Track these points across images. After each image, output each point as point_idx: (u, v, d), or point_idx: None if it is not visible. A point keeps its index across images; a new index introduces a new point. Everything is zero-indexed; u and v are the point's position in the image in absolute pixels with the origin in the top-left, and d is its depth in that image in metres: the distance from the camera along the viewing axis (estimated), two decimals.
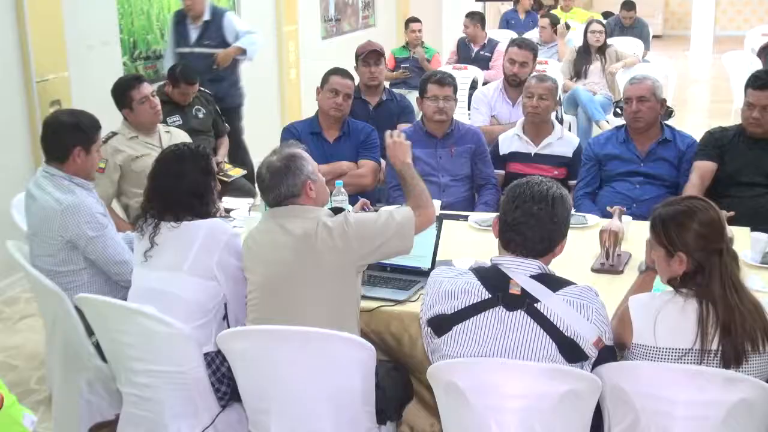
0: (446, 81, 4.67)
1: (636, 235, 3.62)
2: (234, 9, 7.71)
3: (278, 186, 2.96)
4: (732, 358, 2.42)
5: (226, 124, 6.12)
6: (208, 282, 3.02)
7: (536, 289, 2.50)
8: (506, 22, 11.75)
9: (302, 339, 2.68)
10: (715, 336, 2.43)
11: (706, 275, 2.48)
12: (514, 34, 9.44)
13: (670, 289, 2.56)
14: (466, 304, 2.54)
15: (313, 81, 5.00)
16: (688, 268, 2.51)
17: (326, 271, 2.86)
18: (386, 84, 6.01)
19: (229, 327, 3.04)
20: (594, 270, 3.44)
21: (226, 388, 3.00)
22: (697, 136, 4.53)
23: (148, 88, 4.69)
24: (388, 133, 3.34)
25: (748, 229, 3.61)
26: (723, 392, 2.37)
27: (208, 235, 3.06)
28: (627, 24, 10.71)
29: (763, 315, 2.47)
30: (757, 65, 8.14)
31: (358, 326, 2.96)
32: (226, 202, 4.56)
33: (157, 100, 4.75)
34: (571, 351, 2.48)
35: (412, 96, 5.33)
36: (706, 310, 2.45)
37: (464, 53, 8.73)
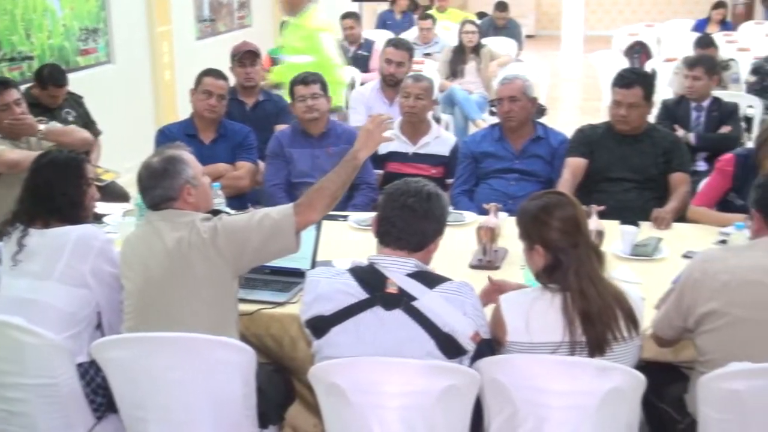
0: (310, 79, 4.68)
1: (512, 231, 3.67)
2: (104, 9, 7.50)
3: (155, 188, 2.90)
4: (595, 348, 2.50)
5: (98, 127, 5.95)
6: (80, 290, 2.93)
7: (413, 287, 2.53)
8: (383, 23, 11.83)
9: (179, 345, 2.63)
10: (580, 326, 2.50)
11: (564, 268, 2.55)
12: (390, 35, 9.50)
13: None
14: (344, 305, 2.54)
15: (189, 82, 4.91)
16: (547, 262, 2.58)
17: (201, 276, 2.80)
18: (263, 84, 5.96)
19: (103, 336, 2.95)
20: (472, 266, 3.49)
21: (101, 399, 2.91)
22: (570, 133, 4.65)
23: (11, 95, 4.47)
24: (373, 116, 3.14)
25: (617, 222, 3.72)
26: (596, 381, 2.44)
27: (79, 241, 2.96)
28: (500, 24, 10.92)
29: (627, 304, 2.55)
30: (624, 64, 8.44)
31: (237, 331, 2.92)
32: (99, 207, 4.42)
33: (20, 109, 4.50)
34: (449, 347, 2.51)
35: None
36: (570, 302, 2.52)
37: (341, 54, 8.73)
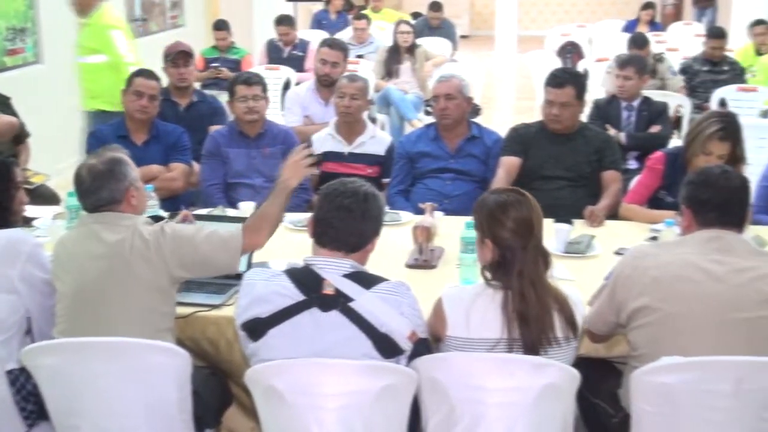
0: (253, 80, 4.66)
1: (448, 230, 3.72)
2: (32, 8, 7.35)
3: (99, 190, 2.86)
4: (529, 349, 2.53)
5: (27, 130, 5.82)
6: (8, 296, 2.86)
7: (350, 288, 2.52)
8: (318, 23, 11.80)
9: (112, 350, 2.59)
10: (517, 326, 2.53)
11: (509, 268, 2.57)
12: (325, 35, 9.48)
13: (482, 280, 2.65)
14: (281, 307, 2.52)
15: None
16: (494, 257, 2.60)
17: (140, 280, 2.78)
18: (196, 85, 5.90)
19: (33, 342, 2.88)
20: (408, 266, 3.50)
21: (32, 406, 2.85)
22: (505, 132, 4.68)
23: None
24: (297, 149, 3.18)
25: (551, 220, 3.76)
26: (532, 378, 2.46)
27: (7, 246, 2.90)
28: (435, 24, 10.97)
29: (568, 309, 2.59)
30: (557, 64, 8.55)
31: (174, 336, 2.89)
32: (28, 210, 4.33)
33: None
34: (386, 347, 2.51)
35: (224, 97, 5.27)
36: (510, 301, 2.54)
37: (275, 54, 8.70)
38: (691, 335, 2.56)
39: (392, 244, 3.63)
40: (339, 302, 2.51)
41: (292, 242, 3.77)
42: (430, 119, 5.68)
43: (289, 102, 5.94)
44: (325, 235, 2.60)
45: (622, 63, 5.96)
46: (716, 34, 7.98)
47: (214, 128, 4.99)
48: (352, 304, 2.51)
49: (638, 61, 6.04)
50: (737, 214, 2.71)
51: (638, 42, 7.58)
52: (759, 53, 8.51)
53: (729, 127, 3.90)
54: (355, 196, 2.59)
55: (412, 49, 8.28)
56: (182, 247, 2.82)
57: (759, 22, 8.74)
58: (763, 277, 2.58)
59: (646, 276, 2.64)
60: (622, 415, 2.77)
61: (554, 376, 2.47)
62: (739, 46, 9.20)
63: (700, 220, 2.70)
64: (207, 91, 6.12)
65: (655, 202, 4.20)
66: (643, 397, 2.54)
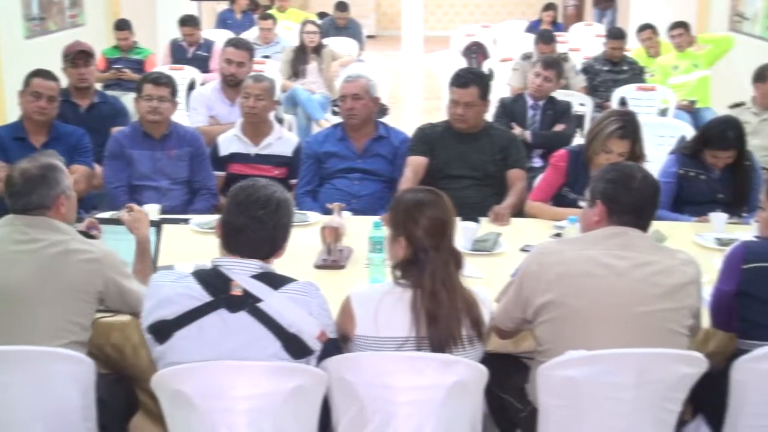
0: (162, 81, 4.56)
1: (356, 230, 3.72)
2: None
3: (30, 194, 2.81)
4: (437, 348, 2.55)
5: None
6: None
7: (258, 289, 2.50)
8: (223, 22, 11.67)
9: (12, 358, 2.51)
10: (425, 325, 2.55)
11: (421, 267, 2.59)
12: (231, 34, 9.37)
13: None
14: (188, 309, 2.49)
15: (18, 83, 4.70)
16: (407, 256, 2.62)
17: (67, 287, 2.74)
18: (98, 86, 5.77)
19: None
20: (317, 266, 3.49)
21: None
22: (412, 132, 4.70)
23: None
24: (125, 209, 3.26)
25: (458, 219, 3.79)
26: (440, 375, 2.49)
27: None
28: (341, 24, 10.97)
29: (476, 313, 2.61)
30: (462, 64, 8.64)
31: (85, 347, 2.82)
32: None
33: None
34: (295, 347, 2.50)
35: (128, 98, 5.16)
36: (420, 300, 2.56)
37: (179, 54, 8.56)
38: (594, 329, 2.62)
39: (300, 244, 3.61)
40: (247, 303, 2.48)
41: (198, 244, 3.72)
42: (338, 119, 5.67)
43: (194, 102, 5.85)
44: (235, 244, 2.57)
45: (547, 64, 6.04)
46: (616, 34, 8.18)
47: (116, 129, 4.88)
48: (260, 305, 2.49)
49: (559, 65, 6.17)
50: (649, 218, 2.78)
51: (545, 39, 7.71)
52: (650, 56, 8.76)
53: (628, 126, 4.01)
54: (267, 206, 2.55)
55: (318, 49, 8.26)
56: (109, 287, 2.84)
57: (645, 27, 8.98)
58: (662, 271, 2.65)
59: (551, 272, 2.68)
60: (530, 410, 2.81)
61: (462, 373, 2.50)
62: (635, 48, 9.45)
63: (614, 220, 2.73)
64: (109, 92, 5.99)
65: (559, 199, 4.29)
66: (549, 390, 2.59)
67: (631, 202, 2.72)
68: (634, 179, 2.75)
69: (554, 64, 6.05)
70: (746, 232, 3.73)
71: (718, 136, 4.29)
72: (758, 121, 5.86)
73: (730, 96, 7.16)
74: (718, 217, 3.97)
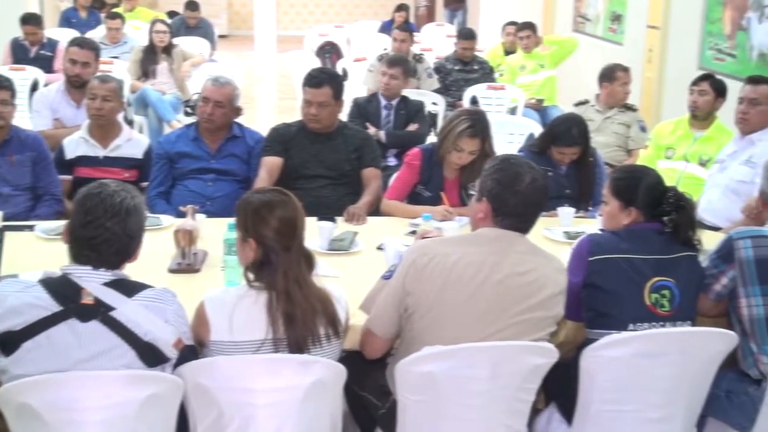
0: (3, 84, 4.35)
1: (211, 232, 3.66)
2: None
3: None
4: (294, 349, 2.54)
5: None
6: None
7: (111, 297, 2.43)
8: (67, 21, 11.28)
9: None
10: (282, 325, 2.54)
11: (273, 268, 2.57)
12: (75, 33, 9.07)
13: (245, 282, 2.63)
14: (35, 319, 2.38)
15: None
16: (257, 257, 2.59)
17: None
18: None
19: None
20: (171, 270, 3.42)
21: None
22: (267, 132, 4.67)
23: None
24: None
25: (315, 218, 3.79)
26: (299, 376, 2.48)
27: None
28: (192, 24, 10.80)
29: (331, 311, 2.62)
30: (317, 64, 8.65)
31: None
32: None
33: None
34: (151, 356, 2.45)
35: None
36: (275, 301, 2.54)
37: (20, 54, 8.22)
38: (464, 332, 2.64)
39: (154, 249, 3.51)
40: (99, 312, 2.40)
41: (45, 251, 3.58)
42: (190, 120, 5.57)
43: (38, 104, 5.62)
44: (84, 257, 2.47)
45: (391, 62, 6.12)
46: (466, 35, 8.37)
47: None
48: (113, 314, 2.41)
49: (405, 63, 6.25)
50: (533, 221, 2.80)
51: (403, 26, 7.79)
52: (507, 53, 9.01)
53: (478, 125, 4.10)
54: (117, 215, 2.46)
55: (168, 49, 8.10)
56: None
57: (511, 23, 9.26)
58: (537, 280, 2.70)
59: (429, 273, 2.66)
60: (389, 406, 2.83)
61: (321, 373, 2.50)
62: (488, 47, 9.71)
63: (498, 221, 2.74)
64: None
65: (413, 197, 4.35)
66: (408, 386, 2.62)
67: (516, 205, 2.72)
68: (522, 182, 2.72)
69: (398, 62, 6.13)
70: (592, 225, 3.87)
71: (564, 133, 4.44)
72: (602, 119, 6.11)
73: (575, 94, 7.44)
74: (566, 212, 4.12)
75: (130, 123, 6.21)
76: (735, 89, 4.99)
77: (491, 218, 2.75)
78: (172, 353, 2.50)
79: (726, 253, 3.00)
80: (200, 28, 10.77)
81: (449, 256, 2.68)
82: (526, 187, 2.73)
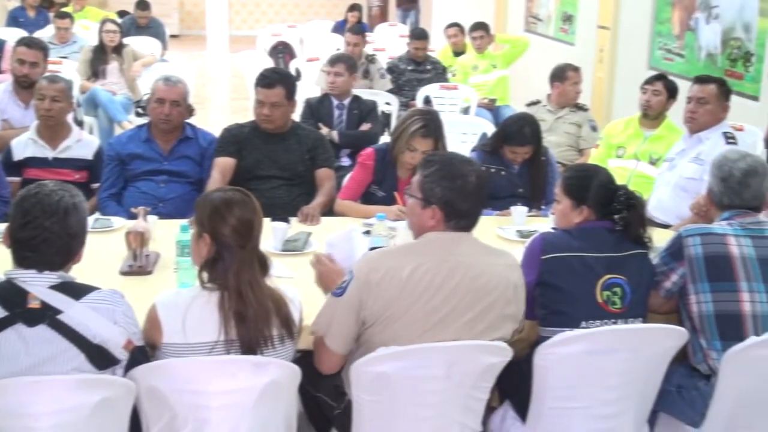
0: None
1: (163, 234, 3.63)
2: None
3: None
4: (246, 349, 2.53)
5: None
6: None
7: (58, 300, 2.39)
8: (14, 20, 11.11)
9: None
10: (234, 326, 2.52)
11: (226, 266, 2.56)
12: (23, 33, 8.93)
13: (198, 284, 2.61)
14: None
15: None
16: (211, 254, 2.58)
17: None
18: None
19: None
20: (122, 273, 3.38)
21: None
22: (219, 133, 4.64)
23: None
24: None
25: (268, 219, 3.77)
26: (253, 377, 2.47)
27: None
28: (142, 24, 10.69)
29: (284, 312, 2.60)
30: (269, 64, 8.61)
31: None
32: None
33: None
34: (100, 358, 2.42)
35: None
36: (227, 301, 2.53)
37: None
38: (424, 337, 2.63)
39: (105, 251, 3.49)
40: (46, 316, 2.37)
41: None
42: (141, 121, 5.51)
43: None
44: (26, 260, 2.43)
45: (333, 60, 6.14)
46: (418, 35, 8.39)
47: None
48: (60, 317, 2.38)
49: (348, 59, 6.23)
50: (478, 219, 2.80)
51: (355, 29, 7.76)
52: (456, 54, 9.05)
53: (430, 125, 4.11)
54: (56, 216, 2.43)
55: (119, 49, 8.00)
56: None
57: (452, 25, 9.29)
58: (491, 280, 2.70)
59: (384, 288, 2.63)
60: (344, 406, 2.83)
61: (275, 374, 2.49)
62: (440, 47, 9.74)
63: (451, 225, 2.73)
64: None
65: (367, 197, 4.35)
66: (363, 386, 2.62)
67: (468, 208, 2.73)
68: (470, 183, 2.71)
69: (340, 59, 6.14)
70: (544, 224, 3.91)
71: (516, 132, 4.47)
72: (553, 119, 6.16)
73: (527, 94, 7.50)
74: (519, 211, 4.15)
75: (80, 124, 6.13)
76: (684, 88, 5.06)
77: (443, 224, 2.73)
78: (122, 355, 2.47)
79: (675, 251, 3.04)
80: (151, 28, 10.66)
81: (402, 269, 2.64)
82: (475, 187, 2.73)
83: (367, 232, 3.80)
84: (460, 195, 2.71)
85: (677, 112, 5.05)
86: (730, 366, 2.83)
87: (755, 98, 6.28)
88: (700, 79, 4.74)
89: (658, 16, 7.71)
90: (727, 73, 6.47)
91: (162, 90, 4.46)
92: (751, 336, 2.88)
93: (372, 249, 2.92)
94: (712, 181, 3.23)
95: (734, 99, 5.01)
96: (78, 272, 2.57)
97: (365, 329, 2.71)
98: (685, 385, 3.01)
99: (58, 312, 2.38)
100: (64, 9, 10.40)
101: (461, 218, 2.73)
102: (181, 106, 4.47)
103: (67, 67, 7.87)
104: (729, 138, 4.56)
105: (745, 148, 4.29)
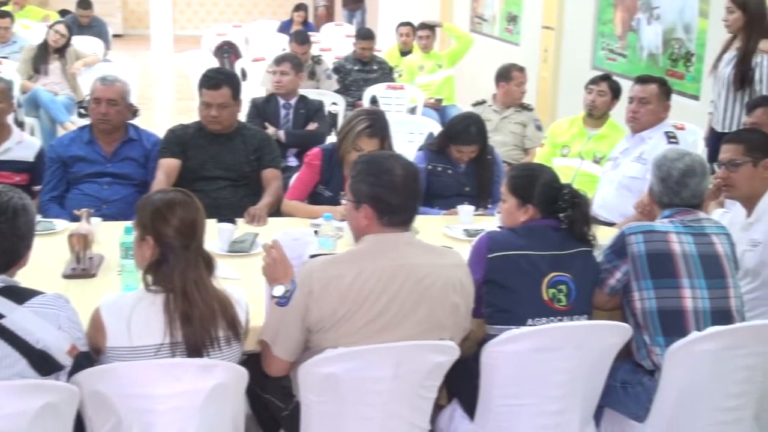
0: None
1: (107, 236, 3.58)
2: None
3: None
4: (192, 351, 2.51)
5: None
6: None
7: (0, 304, 2.35)
8: None
9: None
10: (179, 327, 2.50)
11: (170, 267, 2.54)
12: None
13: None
14: None
15: None
16: (155, 256, 2.56)
17: None
18: None
19: None
20: (66, 276, 3.33)
21: None
22: (163, 134, 4.59)
23: None
24: None
25: (214, 220, 3.75)
26: (199, 380, 2.45)
27: None
28: (84, 23, 10.52)
29: (230, 313, 2.59)
30: (214, 64, 8.54)
31: None
32: None
33: None
34: (43, 363, 2.38)
35: None
36: (172, 303, 2.51)
37: None
38: (370, 342, 2.62)
39: (47, 254, 3.43)
40: None
41: None
42: (84, 122, 5.44)
43: None
44: None
45: (278, 59, 6.12)
46: (365, 35, 8.40)
47: None
48: (2, 321, 2.34)
49: (293, 58, 6.23)
50: (415, 213, 2.81)
51: (300, 39, 7.75)
52: (403, 53, 9.08)
53: (376, 125, 4.12)
54: (4, 215, 2.40)
55: (62, 49, 7.88)
56: None
57: (405, 24, 9.32)
58: (436, 279, 2.71)
59: (328, 297, 2.63)
60: (292, 407, 2.82)
61: (222, 376, 2.48)
62: (386, 47, 9.76)
63: (384, 221, 2.71)
64: None
65: (314, 197, 4.34)
66: (311, 387, 2.62)
67: (399, 202, 2.71)
68: (395, 175, 2.71)
69: (285, 58, 6.13)
70: (491, 222, 3.93)
71: (462, 131, 4.50)
72: (499, 118, 6.21)
73: (473, 94, 7.54)
74: (465, 210, 4.17)
75: (20, 125, 6.03)
76: (626, 88, 5.13)
77: (376, 222, 2.72)
78: (66, 360, 2.43)
79: (619, 249, 3.08)
80: (93, 27, 10.50)
81: (344, 277, 2.64)
82: (402, 179, 2.72)
83: (315, 233, 3.79)
84: (388, 190, 2.70)
85: (620, 111, 5.12)
86: (673, 361, 2.88)
87: (696, 98, 6.41)
88: (642, 79, 4.80)
89: (600, 17, 7.82)
90: (669, 73, 6.59)
91: (99, 89, 4.41)
92: (693, 331, 2.92)
93: (312, 257, 2.88)
94: (652, 181, 3.28)
95: (675, 98, 5.10)
96: (20, 276, 2.53)
97: (312, 335, 2.70)
98: (630, 381, 3.05)
99: (0, 317, 2.34)
100: (4, 8, 10.19)
101: (393, 214, 2.72)
102: (119, 105, 4.41)
103: (8, 67, 7.74)
104: (671, 137, 4.62)
105: (687, 147, 4.38)
